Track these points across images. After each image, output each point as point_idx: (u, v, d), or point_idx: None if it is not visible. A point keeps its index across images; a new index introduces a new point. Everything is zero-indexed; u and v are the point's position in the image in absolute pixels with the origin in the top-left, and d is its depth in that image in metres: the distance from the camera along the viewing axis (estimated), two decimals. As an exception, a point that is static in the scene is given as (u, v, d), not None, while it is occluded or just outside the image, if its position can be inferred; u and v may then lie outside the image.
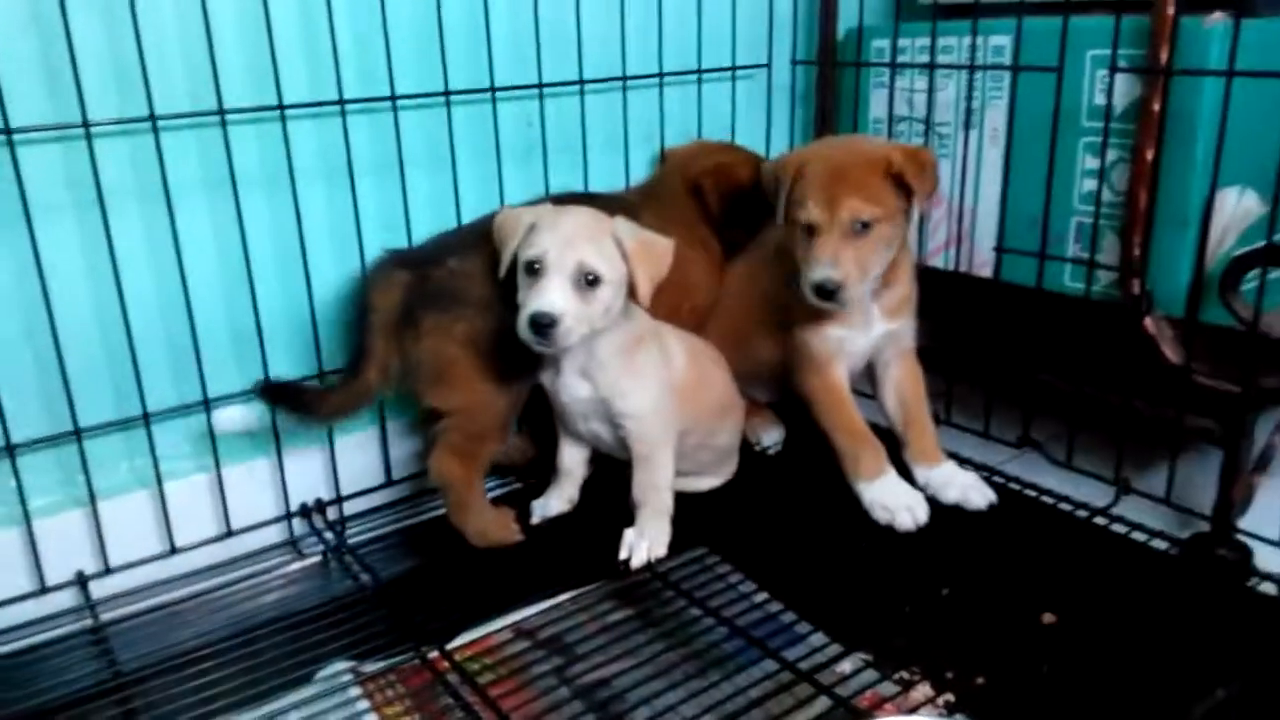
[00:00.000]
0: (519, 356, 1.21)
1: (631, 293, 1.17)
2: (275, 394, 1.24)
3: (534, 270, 1.12)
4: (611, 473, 1.36)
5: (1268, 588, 1.11)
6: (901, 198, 1.25)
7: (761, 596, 1.17)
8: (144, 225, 1.20)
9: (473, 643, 1.09)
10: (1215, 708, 0.84)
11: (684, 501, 1.27)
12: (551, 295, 1.10)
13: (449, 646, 1.08)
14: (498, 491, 1.42)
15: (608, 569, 1.21)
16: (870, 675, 1.02)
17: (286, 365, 1.34)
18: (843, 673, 1.02)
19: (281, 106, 1.23)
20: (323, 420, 1.29)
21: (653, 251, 1.17)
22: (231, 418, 1.27)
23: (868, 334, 1.34)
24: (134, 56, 1.12)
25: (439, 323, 1.23)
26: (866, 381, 1.42)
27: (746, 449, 1.46)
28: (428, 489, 1.39)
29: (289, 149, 1.25)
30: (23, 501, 1.16)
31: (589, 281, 1.11)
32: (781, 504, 1.34)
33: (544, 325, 1.09)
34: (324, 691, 1.02)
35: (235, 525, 1.32)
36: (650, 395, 1.22)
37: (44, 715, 1.00)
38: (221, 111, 1.19)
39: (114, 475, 1.24)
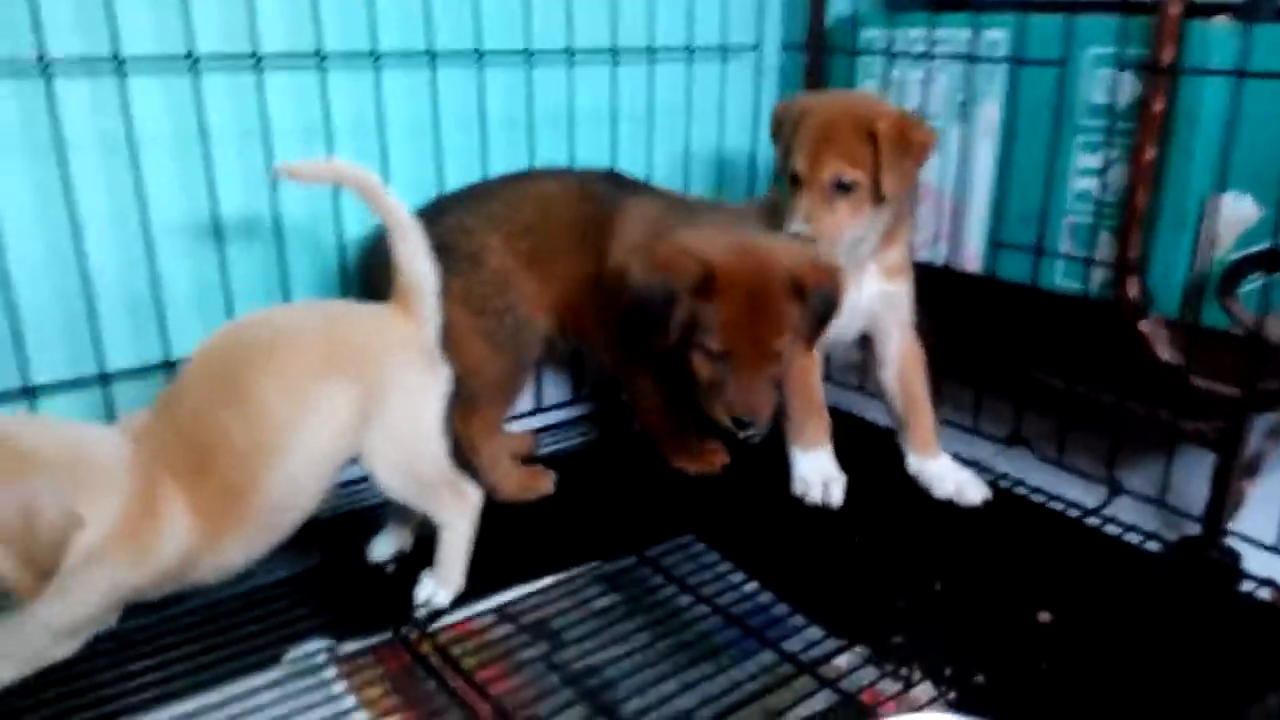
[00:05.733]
0: (515, 318, 1.22)
1: None
2: None
3: None
4: (601, 453, 1.32)
5: (1262, 594, 1.11)
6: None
7: (752, 586, 1.13)
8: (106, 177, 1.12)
9: (454, 625, 1.04)
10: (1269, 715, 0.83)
11: (669, 486, 1.23)
12: None
13: (430, 629, 1.02)
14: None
15: (592, 552, 1.16)
16: (869, 671, 0.98)
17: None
18: (840, 668, 0.99)
19: (256, 55, 1.16)
20: None
21: (33, 532, 0.78)
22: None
23: (858, 293, 1.30)
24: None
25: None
26: (849, 375, 1.39)
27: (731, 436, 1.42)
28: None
29: (263, 104, 1.17)
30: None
31: None
32: (768, 491, 1.31)
33: None
34: (297, 672, 0.95)
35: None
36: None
37: None
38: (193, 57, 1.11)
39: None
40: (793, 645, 1.01)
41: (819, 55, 1.67)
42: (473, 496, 1.08)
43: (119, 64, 1.07)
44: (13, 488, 0.78)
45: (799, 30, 1.69)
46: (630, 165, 1.55)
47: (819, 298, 1.15)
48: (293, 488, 0.94)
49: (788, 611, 1.08)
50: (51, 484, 0.80)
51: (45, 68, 1.03)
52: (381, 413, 0.99)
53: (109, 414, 1.15)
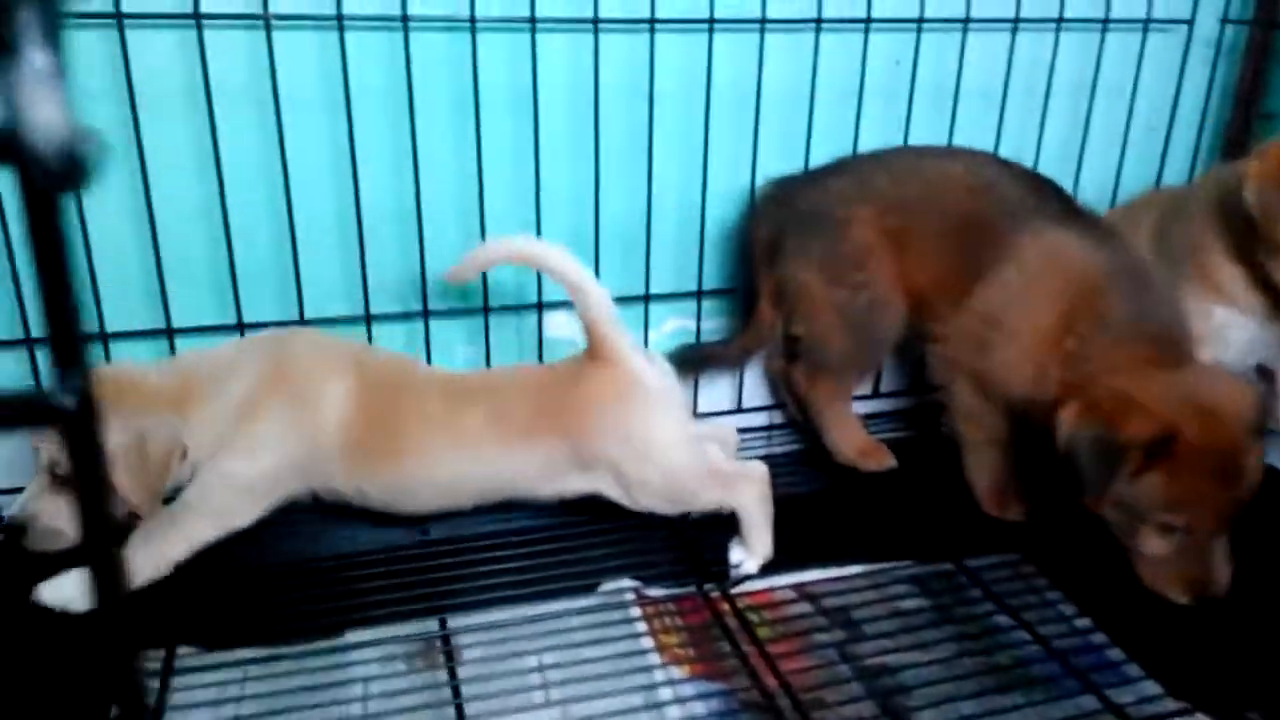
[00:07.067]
0: (870, 296, 1.19)
1: None
2: (690, 360, 1.30)
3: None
4: (931, 450, 1.25)
5: None
6: None
7: (1083, 622, 1.02)
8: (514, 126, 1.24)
9: (754, 593, 1.05)
10: None
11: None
12: (20, 501, 0.98)
13: (732, 591, 1.04)
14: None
15: (907, 550, 1.11)
16: (1212, 746, 0.86)
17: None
18: (1176, 734, 0.87)
19: (652, 21, 1.21)
20: (734, 365, 1.36)
21: (145, 461, 0.95)
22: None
23: (1258, 321, 1.12)
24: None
25: (799, 246, 1.20)
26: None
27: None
28: (775, 424, 1.42)
29: (652, 64, 1.23)
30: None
31: (66, 480, 0.96)
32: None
33: (18, 530, 0.97)
34: (607, 604, 1.02)
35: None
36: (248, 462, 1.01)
37: (356, 558, 1.08)
38: (595, 22, 1.19)
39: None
40: (1120, 696, 0.90)
41: (1268, 31, 1.43)
42: (754, 474, 1.08)
43: (532, 25, 1.17)
44: (130, 422, 0.95)
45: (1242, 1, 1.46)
46: (1013, 151, 1.43)
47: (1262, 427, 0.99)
48: (426, 497, 1.07)
49: (1121, 658, 0.97)
50: (160, 417, 0.97)
51: (473, 26, 1.16)
52: (599, 464, 1.04)
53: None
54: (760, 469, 1.09)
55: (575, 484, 1.06)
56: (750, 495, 1.07)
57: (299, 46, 1.12)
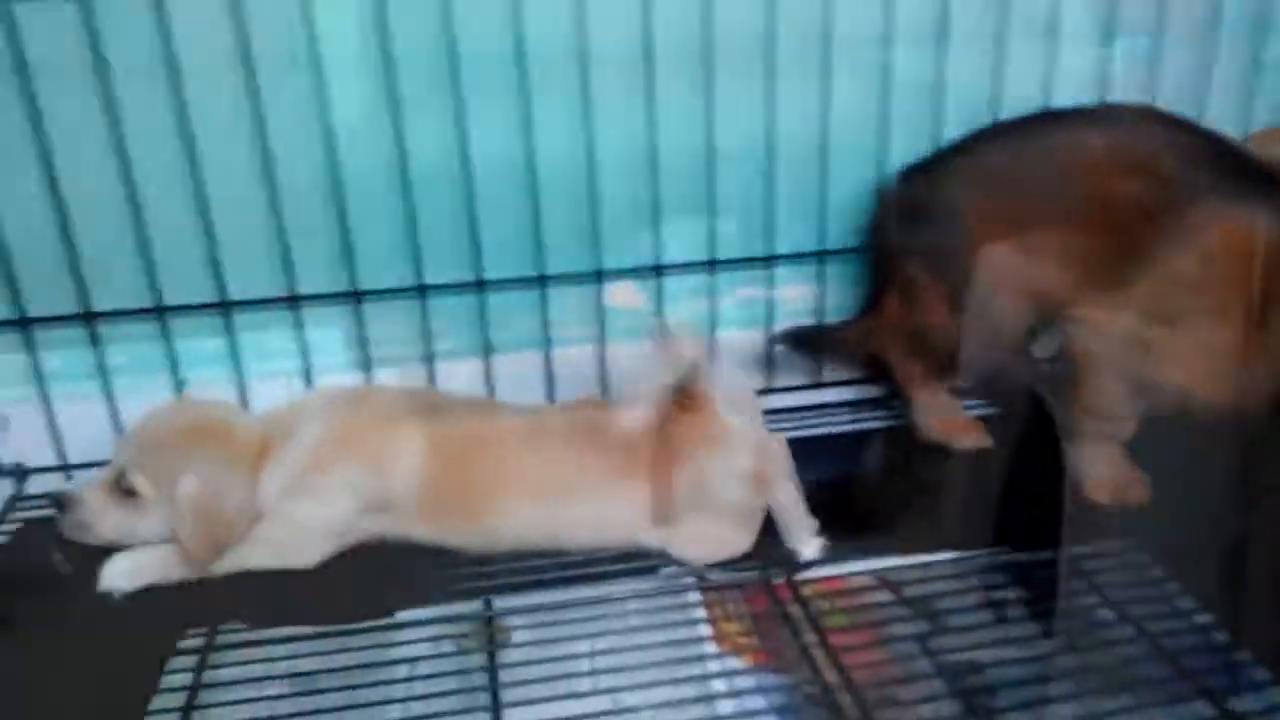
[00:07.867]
0: (978, 296, 1.09)
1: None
2: (795, 340, 1.24)
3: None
4: (1038, 428, 1.15)
5: None
6: None
7: (1203, 619, 0.91)
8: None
9: (827, 579, 0.97)
10: None
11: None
12: (82, 483, 0.97)
13: (798, 577, 0.97)
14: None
15: (1003, 536, 1.01)
16: (1353, 763, 0.74)
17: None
18: (1309, 748, 0.76)
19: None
20: (844, 359, 1.28)
21: (215, 515, 0.92)
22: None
23: None
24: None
25: (910, 237, 1.12)
26: None
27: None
28: (862, 399, 1.31)
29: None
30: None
31: (126, 491, 0.94)
32: (1256, 507, 1.04)
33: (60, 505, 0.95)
34: (666, 588, 0.96)
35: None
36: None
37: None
38: None
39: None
40: (1241, 703, 0.80)
41: None
42: (775, 460, 1.00)
43: None
44: (210, 471, 0.93)
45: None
46: (1122, 91, 1.29)
47: None
48: (507, 546, 0.99)
49: (1246, 660, 0.85)
50: (238, 477, 0.95)
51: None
52: (678, 516, 0.98)
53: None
54: (776, 448, 1.02)
55: (647, 539, 0.99)
56: (779, 482, 1.00)
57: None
